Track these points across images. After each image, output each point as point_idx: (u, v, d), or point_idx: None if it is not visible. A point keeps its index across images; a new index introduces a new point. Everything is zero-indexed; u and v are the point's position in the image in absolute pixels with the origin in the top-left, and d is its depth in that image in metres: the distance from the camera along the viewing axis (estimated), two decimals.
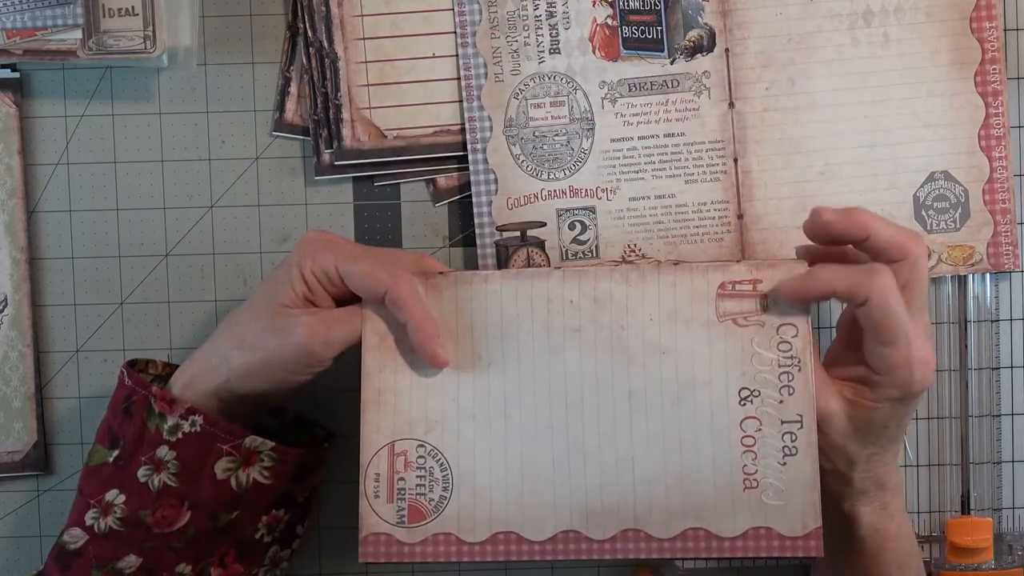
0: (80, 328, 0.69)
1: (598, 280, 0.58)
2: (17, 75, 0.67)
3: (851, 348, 0.58)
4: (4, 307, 0.68)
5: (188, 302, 0.69)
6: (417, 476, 0.56)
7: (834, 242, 0.57)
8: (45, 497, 0.69)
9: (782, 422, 0.55)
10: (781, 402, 0.56)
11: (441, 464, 0.56)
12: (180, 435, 0.58)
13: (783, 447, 0.55)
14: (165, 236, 0.69)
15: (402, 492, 0.56)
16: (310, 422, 0.66)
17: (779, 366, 0.56)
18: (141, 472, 0.58)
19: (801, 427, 0.55)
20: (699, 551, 0.55)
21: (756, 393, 0.56)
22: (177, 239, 0.69)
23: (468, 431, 0.57)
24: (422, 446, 0.57)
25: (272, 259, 0.69)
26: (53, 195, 0.68)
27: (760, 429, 0.56)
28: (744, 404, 0.56)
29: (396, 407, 0.57)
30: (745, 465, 0.55)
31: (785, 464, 0.55)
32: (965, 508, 0.69)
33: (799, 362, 0.56)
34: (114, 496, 0.59)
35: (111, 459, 0.59)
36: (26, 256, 0.68)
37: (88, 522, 0.59)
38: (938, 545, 0.69)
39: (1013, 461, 0.69)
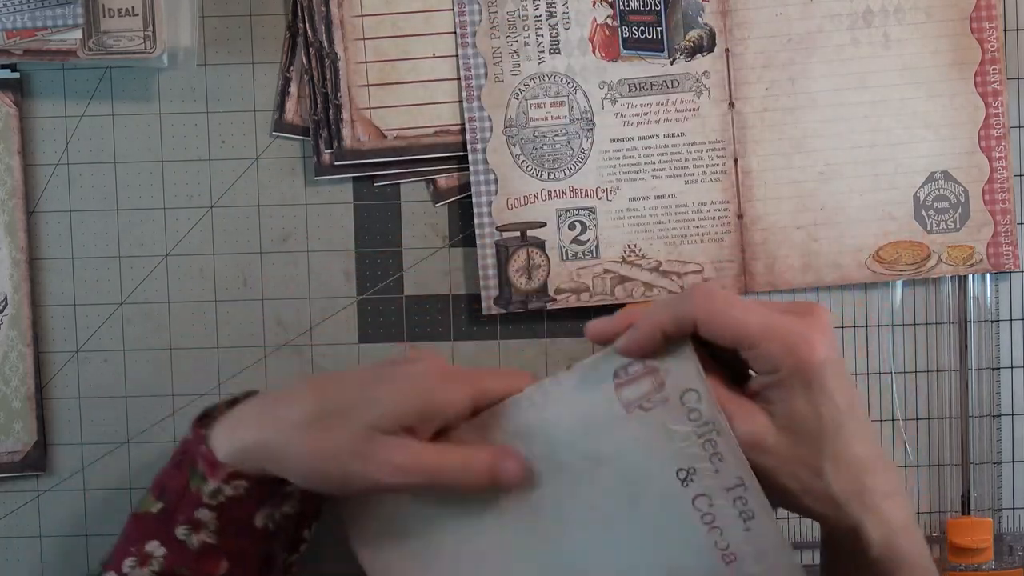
0: (80, 328, 0.69)
1: (515, 417, 0.55)
2: (17, 75, 0.67)
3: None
4: (4, 307, 0.68)
5: (188, 302, 0.69)
6: None
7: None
8: (45, 497, 0.69)
9: (726, 490, 0.52)
10: (717, 471, 0.52)
11: None
12: (222, 499, 0.56)
13: (740, 513, 0.52)
14: (165, 236, 0.69)
15: None
16: None
17: (698, 437, 0.53)
18: (180, 531, 0.57)
19: (745, 489, 0.52)
20: None
21: (692, 471, 0.53)
22: (177, 239, 0.69)
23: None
24: None
25: (272, 259, 0.69)
26: (53, 195, 0.68)
27: (712, 504, 0.53)
28: (687, 484, 0.53)
29: None
30: (716, 542, 0.53)
31: (749, 529, 0.53)
32: (965, 508, 0.69)
33: (713, 426, 0.52)
34: (154, 548, 0.57)
35: (155, 510, 0.58)
36: (26, 256, 0.68)
37: (125, 569, 0.57)
38: (938, 545, 0.69)
39: (1013, 461, 0.69)
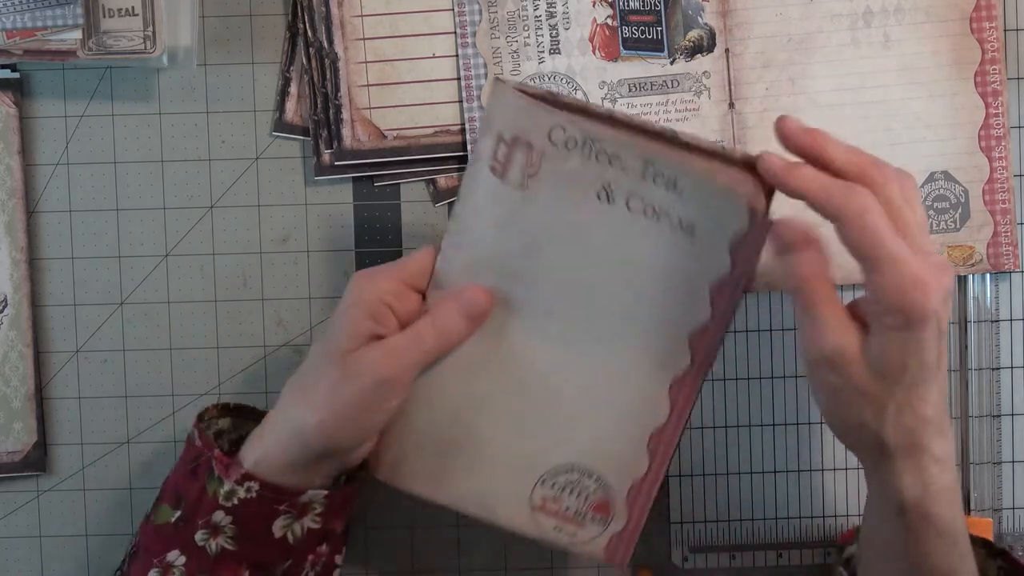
0: (80, 328, 0.69)
1: (452, 263, 0.58)
2: (17, 75, 0.67)
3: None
4: (4, 307, 0.68)
5: (188, 302, 0.69)
6: None
7: (797, 155, 0.54)
8: (45, 497, 0.69)
9: (642, 177, 0.55)
10: (623, 168, 0.55)
11: None
12: (236, 501, 0.57)
13: (665, 184, 0.55)
14: (165, 236, 0.69)
15: None
16: None
17: (588, 158, 0.55)
18: (198, 536, 0.58)
19: (653, 163, 0.54)
20: None
21: (606, 184, 0.56)
22: (177, 239, 0.69)
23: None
24: None
25: (272, 259, 0.69)
26: (53, 195, 0.68)
27: (642, 197, 0.55)
28: (612, 200, 0.56)
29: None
30: (669, 222, 0.56)
31: (681, 190, 0.55)
32: (965, 508, 0.69)
33: (590, 138, 0.54)
34: (175, 557, 0.58)
35: (173, 519, 0.58)
36: (26, 256, 0.68)
37: None
38: None
39: (1013, 461, 0.69)
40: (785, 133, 0.54)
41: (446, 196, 0.68)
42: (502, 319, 0.59)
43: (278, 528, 0.58)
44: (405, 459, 0.60)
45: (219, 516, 0.58)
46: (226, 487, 0.57)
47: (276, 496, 0.57)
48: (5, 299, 0.68)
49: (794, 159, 0.54)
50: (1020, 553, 0.69)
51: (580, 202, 0.56)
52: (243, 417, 0.65)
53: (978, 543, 0.60)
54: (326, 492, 0.58)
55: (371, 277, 0.58)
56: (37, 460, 0.68)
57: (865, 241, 0.51)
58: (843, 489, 0.69)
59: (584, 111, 0.55)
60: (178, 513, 0.58)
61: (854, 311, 0.54)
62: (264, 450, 0.57)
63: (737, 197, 0.54)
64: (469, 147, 0.67)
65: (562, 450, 0.60)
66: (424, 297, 0.59)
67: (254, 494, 0.57)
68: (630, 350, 0.58)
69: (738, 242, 0.55)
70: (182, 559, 0.58)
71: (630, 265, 0.57)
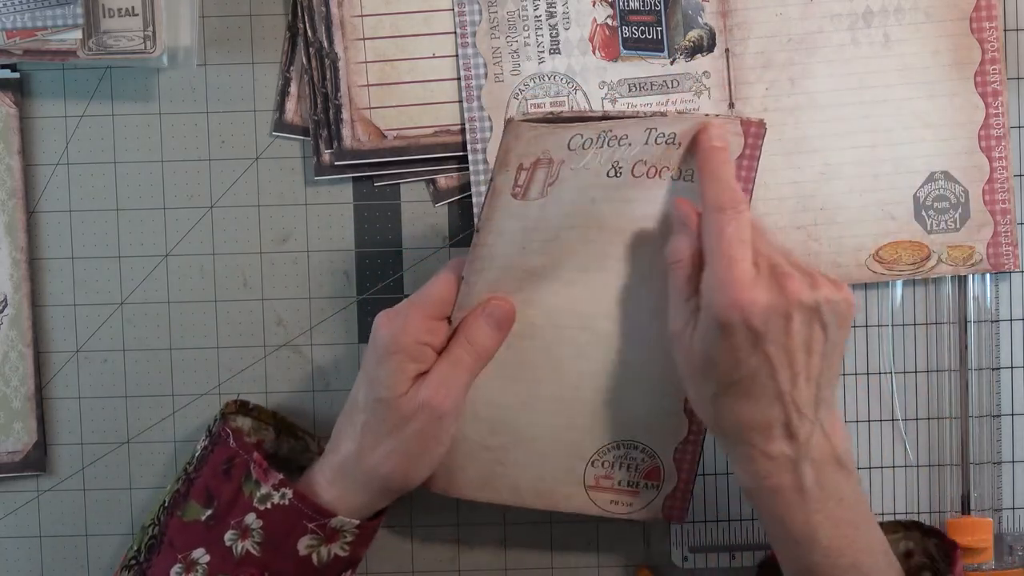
0: (80, 328, 0.69)
1: (478, 282, 0.59)
2: (17, 75, 0.67)
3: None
4: (4, 307, 0.68)
5: (188, 302, 0.69)
6: None
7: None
8: (45, 497, 0.69)
9: (644, 143, 0.58)
10: (629, 142, 0.57)
11: None
12: (269, 505, 0.58)
13: (665, 143, 0.58)
14: (165, 236, 0.69)
15: None
16: None
17: (599, 147, 0.57)
18: (228, 536, 0.59)
19: (655, 129, 0.57)
20: None
21: (615, 163, 0.58)
22: (177, 239, 0.69)
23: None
24: None
25: (272, 259, 0.69)
26: (53, 195, 0.68)
27: (644, 160, 0.58)
28: (619, 174, 0.58)
29: None
30: (671, 176, 0.59)
31: (679, 144, 0.58)
32: (965, 508, 0.69)
33: (598, 130, 0.56)
34: (200, 555, 0.59)
35: (203, 518, 0.59)
36: (26, 256, 0.68)
37: None
38: None
39: (1013, 461, 0.69)
40: (702, 136, 0.58)
41: (446, 196, 0.68)
42: (528, 319, 0.60)
43: (302, 546, 0.59)
44: (459, 470, 0.63)
45: (251, 518, 0.58)
46: (262, 490, 0.58)
47: (307, 507, 0.58)
48: (5, 299, 0.68)
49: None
50: (1020, 553, 0.69)
51: (591, 184, 0.58)
52: (262, 420, 0.66)
53: (911, 527, 0.63)
54: (358, 522, 0.59)
55: (402, 323, 0.58)
56: (37, 460, 0.68)
57: (711, 236, 0.55)
58: None
59: (584, 116, 0.56)
60: (209, 512, 0.59)
61: (692, 304, 0.56)
62: (342, 493, 0.59)
63: (733, 123, 0.58)
64: (469, 147, 0.67)
65: (607, 430, 0.63)
66: (449, 321, 0.59)
67: (286, 501, 0.58)
68: (653, 317, 0.60)
69: (738, 168, 0.59)
70: (207, 557, 0.59)
71: (641, 228, 0.60)
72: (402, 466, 0.58)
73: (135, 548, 0.63)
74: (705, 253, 0.55)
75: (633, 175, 0.58)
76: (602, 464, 0.64)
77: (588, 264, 0.60)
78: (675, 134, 0.57)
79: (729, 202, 0.55)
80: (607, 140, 0.56)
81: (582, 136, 0.56)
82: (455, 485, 0.64)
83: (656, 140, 0.57)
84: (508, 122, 0.54)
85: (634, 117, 0.56)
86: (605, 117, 0.56)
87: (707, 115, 0.58)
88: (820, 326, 0.54)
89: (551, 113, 0.57)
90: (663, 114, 0.60)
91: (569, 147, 0.56)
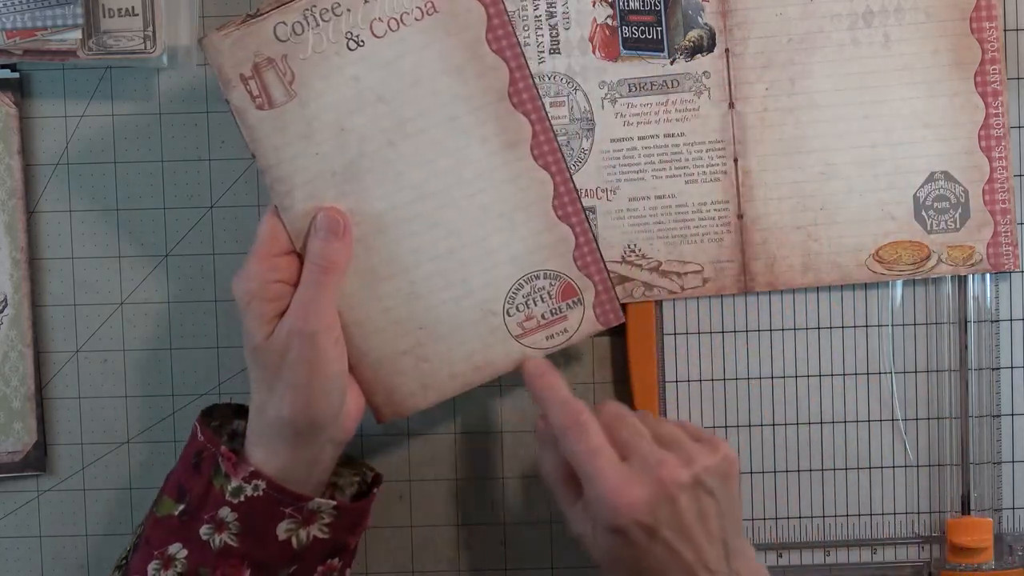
0: (80, 328, 0.69)
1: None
2: (17, 75, 0.67)
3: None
4: (4, 307, 0.68)
5: (188, 302, 0.69)
6: None
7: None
8: (45, 497, 0.69)
9: None
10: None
11: None
12: (243, 498, 0.58)
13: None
14: (165, 236, 0.69)
15: None
16: (357, 462, 0.66)
17: None
18: (203, 530, 0.59)
19: None
20: None
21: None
22: (177, 239, 0.69)
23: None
24: None
25: None
26: (53, 195, 0.68)
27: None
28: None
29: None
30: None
31: (438, 9, 0.59)
32: (965, 508, 0.69)
33: None
34: (177, 550, 0.59)
35: (176, 512, 0.59)
36: (26, 256, 0.68)
37: (150, 573, 0.59)
38: (938, 545, 0.69)
39: (1013, 461, 0.69)
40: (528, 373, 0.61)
41: None
42: (368, 213, 0.60)
43: (282, 531, 0.58)
44: (395, 389, 0.63)
45: (225, 512, 0.58)
46: (233, 484, 0.58)
47: (281, 496, 0.58)
48: (5, 299, 0.68)
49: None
50: (1020, 553, 0.69)
51: (341, 65, 0.58)
52: None
53: None
54: (335, 503, 0.59)
55: (244, 272, 0.59)
56: (37, 460, 0.68)
57: (577, 459, 0.56)
58: (843, 489, 0.69)
59: (278, 3, 0.57)
60: (181, 507, 0.59)
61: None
62: (266, 455, 0.59)
63: None
64: None
65: (502, 276, 0.62)
66: (299, 255, 0.60)
67: (260, 492, 0.58)
68: (475, 147, 0.61)
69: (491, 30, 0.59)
70: (184, 552, 0.58)
71: (416, 80, 0.59)
72: (299, 402, 0.58)
73: (127, 548, 0.63)
74: (574, 468, 0.57)
75: (376, 35, 0.58)
76: (516, 308, 0.63)
77: (393, 138, 0.60)
78: None
79: (569, 420, 0.57)
80: (317, 16, 0.57)
81: (286, 24, 0.56)
82: (400, 404, 0.63)
83: None
84: (200, 40, 0.56)
85: None
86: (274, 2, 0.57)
87: None
88: (707, 493, 0.56)
89: (247, 14, 0.58)
90: None
91: (278, 37, 0.56)
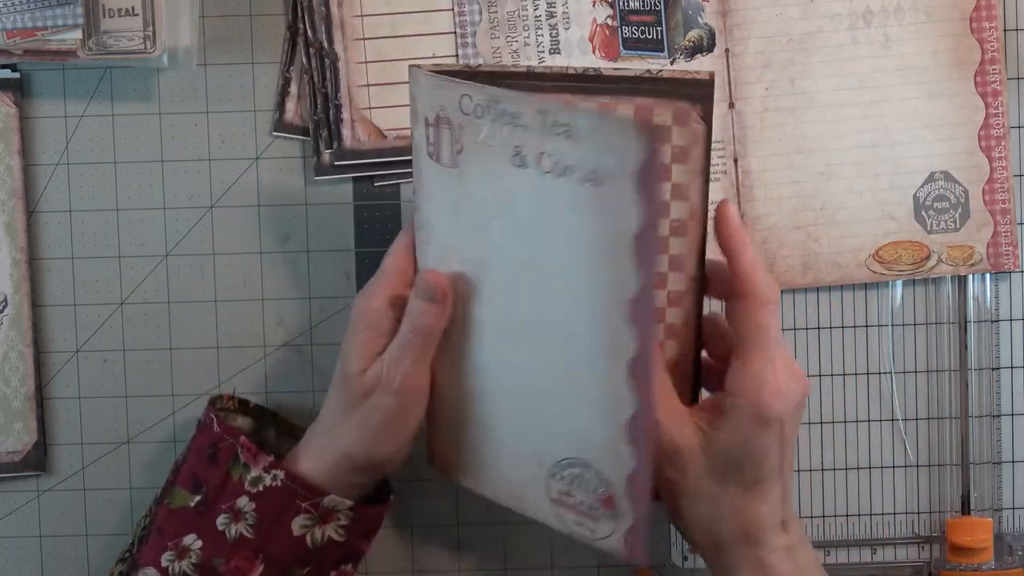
0: (80, 328, 0.69)
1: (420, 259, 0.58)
2: (17, 75, 0.67)
3: (711, 378, 0.58)
4: (4, 307, 0.68)
5: (188, 302, 0.69)
6: None
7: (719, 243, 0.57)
8: (45, 497, 0.69)
9: (541, 128, 0.50)
10: (524, 125, 0.51)
11: None
12: (261, 487, 0.58)
13: (559, 133, 0.50)
14: (165, 236, 0.69)
15: None
16: None
17: (494, 122, 0.52)
18: (220, 520, 0.59)
19: (546, 112, 0.50)
20: None
21: (516, 147, 0.52)
22: (177, 239, 0.69)
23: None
24: None
25: (272, 259, 0.69)
26: (53, 195, 0.68)
27: (541, 150, 0.51)
28: (523, 163, 0.52)
29: None
30: (575, 177, 0.50)
31: (573, 137, 0.49)
32: (965, 508, 0.69)
33: (492, 101, 0.51)
34: (191, 541, 0.59)
35: (192, 504, 0.59)
36: (26, 256, 0.68)
37: (164, 563, 0.59)
38: (938, 545, 0.69)
39: (1013, 461, 0.69)
40: (720, 216, 0.56)
41: None
42: (472, 307, 0.57)
43: (297, 527, 0.59)
44: (449, 452, 0.61)
45: (243, 502, 0.58)
46: (253, 473, 0.58)
47: (299, 487, 0.58)
48: (5, 299, 0.68)
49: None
50: (1020, 553, 0.69)
51: (502, 172, 0.53)
52: (263, 420, 0.66)
53: None
54: (351, 504, 0.59)
55: (368, 297, 0.59)
56: (37, 460, 0.68)
57: (757, 330, 0.54)
58: (843, 489, 0.69)
59: (496, 75, 0.54)
60: (198, 498, 0.59)
61: (703, 406, 0.56)
62: (318, 465, 0.59)
63: (628, 124, 0.48)
64: None
65: (559, 443, 0.57)
66: None
67: (279, 482, 0.58)
68: (579, 335, 0.54)
69: (643, 177, 0.47)
70: (199, 543, 0.59)
71: (557, 234, 0.52)
72: (364, 441, 0.58)
73: (130, 542, 0.63)
74: (738, 344, 0.54)
75: (541, 168, 0.51)
76: (561, 478, 0.57)
77: (518, 271, 0.55)
78: (570, 124, 0.49)
79: (774, 295, 0.54)
80: (498, 113, 0.51)
81: (471, 99, 0.52)
82: (448, 468, 0.62)
83: (554, 130, 0.50)
84: (410, 68, 0.53)
85: (555, 77, 0.53)
86: (494, 76, 0.53)
87: (609, 100, 0.53)
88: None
89: (467, 66, 0.55)
90: (589, 75, 0.54)
91: (462, 109, 0.53)
